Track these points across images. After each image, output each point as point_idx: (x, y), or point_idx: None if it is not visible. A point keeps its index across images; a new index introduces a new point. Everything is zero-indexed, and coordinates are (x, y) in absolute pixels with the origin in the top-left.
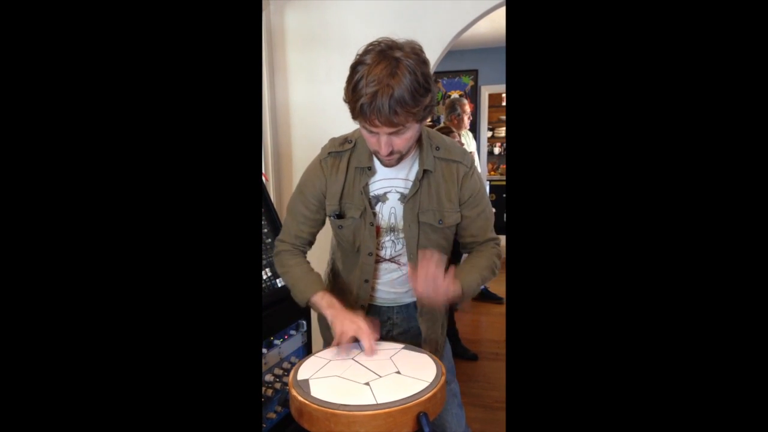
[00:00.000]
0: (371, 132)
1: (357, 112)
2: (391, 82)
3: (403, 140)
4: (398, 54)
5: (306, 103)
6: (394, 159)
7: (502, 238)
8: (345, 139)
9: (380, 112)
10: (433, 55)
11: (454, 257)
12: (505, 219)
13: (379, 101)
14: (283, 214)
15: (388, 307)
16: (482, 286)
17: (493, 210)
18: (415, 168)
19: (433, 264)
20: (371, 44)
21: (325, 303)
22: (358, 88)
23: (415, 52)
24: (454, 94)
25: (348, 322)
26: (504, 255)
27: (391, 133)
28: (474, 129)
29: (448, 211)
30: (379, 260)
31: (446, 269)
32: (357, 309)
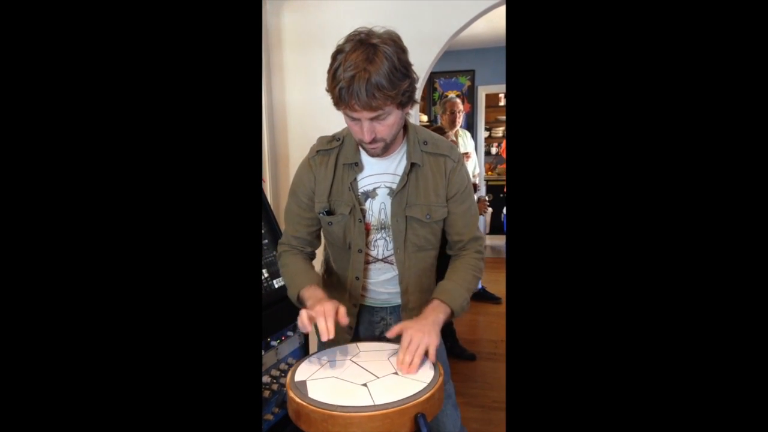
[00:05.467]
0: (353, 119)
1: (337, 99)
2: (368, 67)
3: (385, 126)
4: (376, 41)
5: (302, 104)
6: (379, 147)
7: (500, 238)
8: (333, 137)
9: (358, 97)
10: (430, 56)
11: (441, 258)
12: (502, 219)
13: (356, 85)
14: (279, 215)
15: (382, 307)
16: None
17: (491, 210)
18: (403, 162)
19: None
20: (351, 34)
21: (308, 294)
22: (336, 75)
23: (393, 39)
24: (451, 94)
25: (315, 305)
26: (503, 255)
27: (372, 119)
28: (471, 129)
29: (436, 205)
30: (370, 260)
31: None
32: (350, 307)
